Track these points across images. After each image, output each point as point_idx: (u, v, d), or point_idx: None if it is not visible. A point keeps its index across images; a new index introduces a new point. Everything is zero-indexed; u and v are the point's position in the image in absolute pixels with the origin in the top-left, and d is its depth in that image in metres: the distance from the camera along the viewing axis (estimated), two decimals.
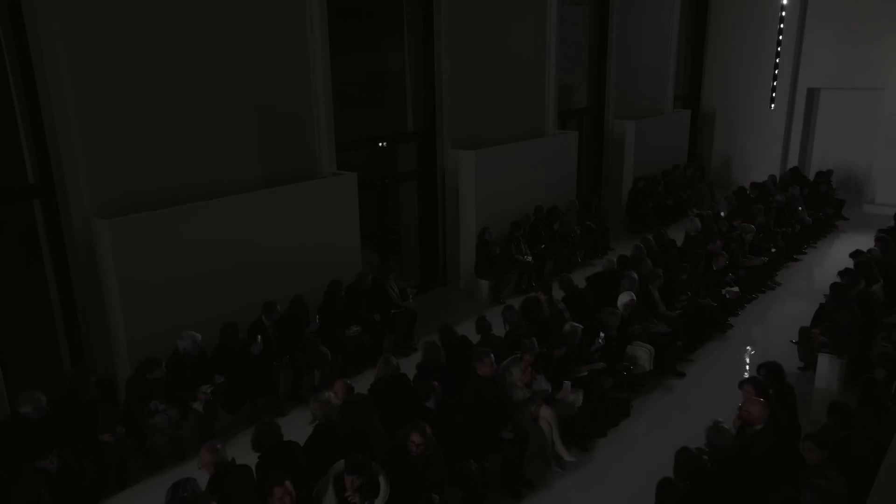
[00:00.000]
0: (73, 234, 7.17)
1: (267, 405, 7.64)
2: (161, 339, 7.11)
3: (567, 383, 6.90)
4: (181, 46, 7.65)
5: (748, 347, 9.42)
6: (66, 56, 6.76)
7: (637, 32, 15.63)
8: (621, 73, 15.31)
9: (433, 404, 5.95)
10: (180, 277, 7.58)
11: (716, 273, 9.87)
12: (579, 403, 7.04)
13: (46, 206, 7.16)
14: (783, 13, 16.32)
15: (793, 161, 17.24)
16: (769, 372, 6.40)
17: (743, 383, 6.17)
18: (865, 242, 10.99)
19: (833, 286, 8.36)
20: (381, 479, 5.04)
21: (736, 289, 9.85)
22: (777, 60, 16.73)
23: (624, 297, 8.20)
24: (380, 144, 11.22)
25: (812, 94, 17.31)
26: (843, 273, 8.76)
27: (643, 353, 8.01)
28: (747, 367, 8.75)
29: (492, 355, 6.49)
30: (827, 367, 7.99)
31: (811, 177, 15.46)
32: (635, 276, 8.75)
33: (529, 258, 11.19)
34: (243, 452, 5.51)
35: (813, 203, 13.95)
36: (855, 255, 9.70)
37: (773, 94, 16.97)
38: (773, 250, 11.47)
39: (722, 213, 12.67)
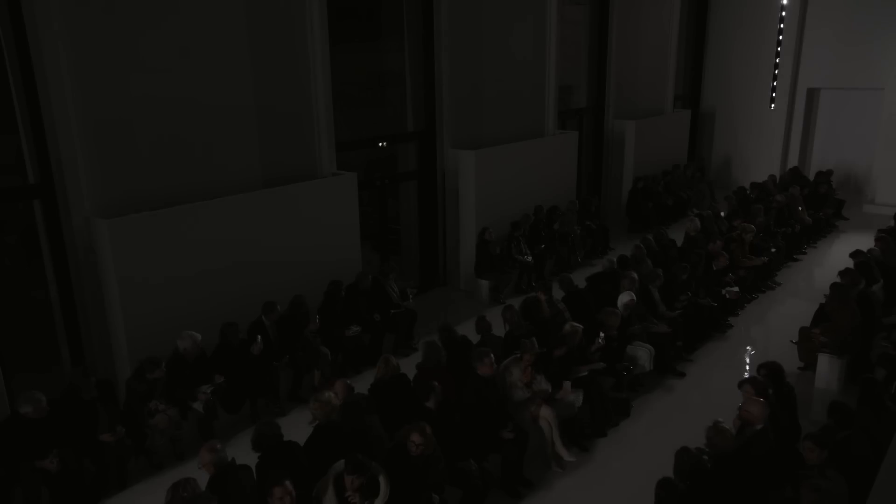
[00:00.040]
0: (73, 234, 7.17)
1: (267, 405, 7.64)
2: (161, 339, 7.11)
3: (567, 383, 6.90)
4: (181, 46, 7.65)
5: (748, 347, 9.42)
6: (66, 56, 6.76)
7: (637, 32, 15.63)
8: (621, 73, 15.31)
9: (433, 404, 5.95)
10: (180, 277, 7.58)
11: (716, 273, 9.87)
12: (579, 403, 7.05)
13: (46, 206, 7.16)
14: (783, 13, 16.32)
15: (793, 161, 17.24)
16: (769, 372, 6.40)
17: (742, 383, 6.18)
18: (865, 242, 11.00)
19: (833, 286, 8.36)
20: (381, 479, 5.04)
21: (736, 289, 9.85)
22: (777, 60, 16.73)
23: (624, 297, 8.20)
24: (380, 144, 11.22)
25: (812, 94, 17.31)
26: (844, 273, 8.76)
27: (643, 353, 8.01)
28: (747, 367, 8.75)
29: (492, 355, 6.49)
30: (827, 367, 7.99)
31: (811, 177, 15.46)
32: (635, 276, 8.75)
33: (529, 258, 11.19)
34: (243, 452, 5.51)
35: (813, 203, 13.95)
36: (855, 255, 9.70)
37: (773, 94, 16.96)
38: (773, 250, 11.47)
39: (722, 213, 12.67)
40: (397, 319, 9.05)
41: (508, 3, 11.91)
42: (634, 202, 14.59)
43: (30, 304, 7.91)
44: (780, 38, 16.50)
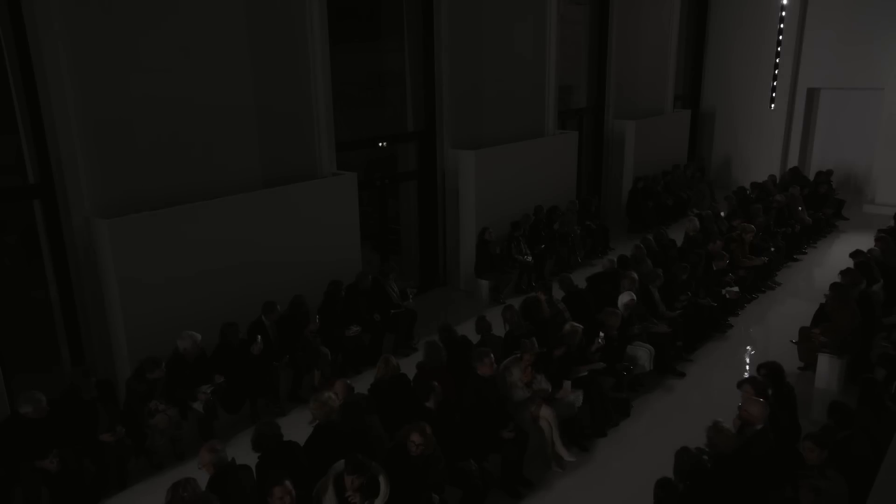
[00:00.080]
0: (73, 234, 7.16)
1: (267, 405, 7.64)
2: (161, 339, 7.11)
3: (567, 383, 6.90)
4: (181, 46, 7.65)
5: (748, 347, 9.42)
6: (66, 56, 6.76)
7: (637, 32, 15.63)
8: (621, 73, 15.31)
9: (433, 404, 5.95)
10: (180, 277, 7.58)
11: (716, 273, 9.87)
12: (579, 403, 7.05)
13: (46, 206, 7.16)
14: (783, 13, 16.32)
15: (793, 161, 17.24)
16: (769, 372, 6.40)
17: (742, 383, 6.18)
18: (865, 242, 11.00)
19: (833, 286, 8.36)
20: (381, 479, 5.04)
21: (736, 289, 9.85)
22: (777, 60, 16.73)
23: (624, 297, 8.20)
24: (380, 144, 11.22)
25: (812, 94, 17.31)
26: (845, 273, 8.76)
27: (643, 353, 8.01)
28: (747, 367, 8.75)
29: (492, 355, 6.49)
30: (827, 367, 7.98)
31: (811, 177, 15.45)
32: (635, 276, 8.75)
33: (529, 258, 11.19)
34: (243, 452, 5.51)
35: (813, 203, 13.95)
36: (855, 255, 9.70)
37: (773, 94, 16.96)
38: (773, 250, 11.47)
39: (722, 213, 12.67)
40: (397, 319, 9.05)
41: (508, 3, 11.91)
42: (634, 202, 14.59)
43: (30, 304, 7.91)
44: (780, 38, 16.51)
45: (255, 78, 8.40)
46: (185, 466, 6.45)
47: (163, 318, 7.36)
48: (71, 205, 7.08)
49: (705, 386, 8.26)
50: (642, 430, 7.36)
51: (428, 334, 8.49)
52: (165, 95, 7.58)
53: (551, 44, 12.80)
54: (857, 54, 15.97)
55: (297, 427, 6.23)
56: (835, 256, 12.18)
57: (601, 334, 7.48)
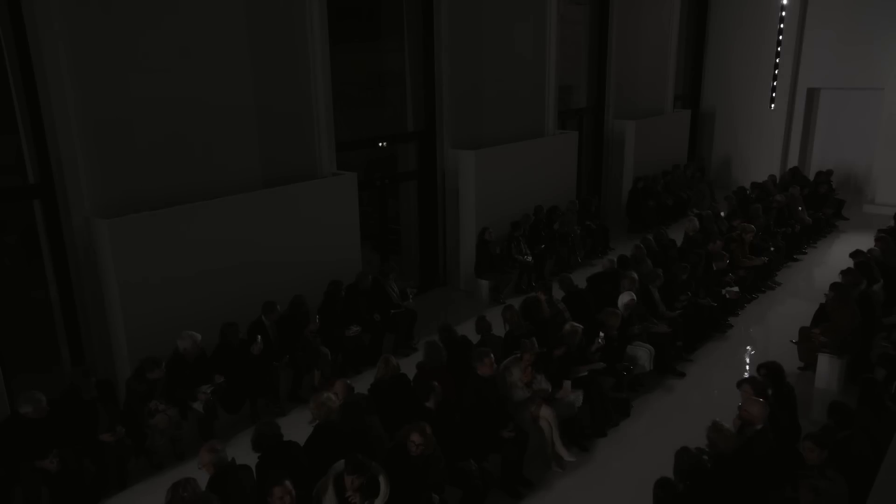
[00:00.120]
0: (73, 234, 7.16)
1: (267, 405, 7.64)
2: (161, 339, 7.11)
3: (567, 383, 6.90)
4: (181, 46, 7.65)
5: (748, 347, 9.42)
6: (66, 56, 6.76)
7: (637, 32, 15.63)
8: (621, 73, 15.31)
9: (433, 404, 5.95)
10: (180, 277, 7.58)
11: (716, 273, 9.87)
12: (579, 403, 7.05)
13: (46, 206, 7.16)
14: (783, 13, 16.32)
15: (793, 161, 17.24)
16: (769, 372, 6.40)
17: (741, 383, 6.18)
18: (865, 242, 10.99)
19: (834, 286, 8.36)
20: (381, 479, 5.04)
21: (736, 289, 9.85)
22: (777, 60, 16.73)
23: (624, 297, 8.20)
24: (380, 144, 11.22)
25: (812, 94, 17.31)
26: (845, 273, 8.76)
27: (643, 353, 8.01)
28: (747, 367, 8.75)
29: (492, 355, 6.49)
30: (827, 367, 7.98)
31: (811, 177, 15.45)
32: (635, 276, 8.75)
33: (529, 258, 11.19)
34: (243, 452, 5.51)
35: (813, 203, 13.95)
36: (855, 255, 9.70)
37: (773, 94, 16.96)
38: (773, 250, 11.47)
39: (722, 213, 12.67)
40: (397, 319, 9.05)
41: (508, 3, 11.91)
42: (634, 202, 14.59)
43: (30, 304, 7.91)
44: (780, 38, 16.50)
45: (255, 78, 8.40)
46: (185, 466, 6.45)
47: (163, 318, 7.36)
48: (71, 205, 7.08)
49: (705, 386, 8.26)
50: (642, 430, 7.36)
51: (428, 334, 8.49)
52: (165, 95, 7.58)
53: (551, 44, 12.80)
54: (857, 54, 15.97)
55: (297, 427, 6.23)
56: (835, 256, 12.18)
57: (601, 334, 7.48)
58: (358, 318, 8.59)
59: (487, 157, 11.29)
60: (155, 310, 7.37)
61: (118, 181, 7.34)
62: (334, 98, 9.26)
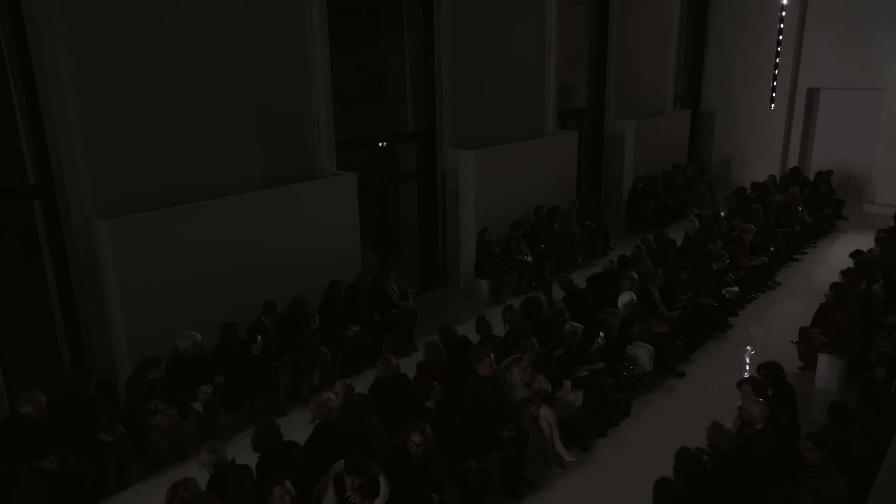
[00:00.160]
0: (73, 234, 7.17)
1: (267, 405, 7.64)
2: (161, 339, 7.11)
3: (567, 383, 6.90)
4: (181, 46, 7.65)
5: (748, 347, 9.42)
6: (66, 56, 6.76)
7: (637, 32, 15.63)
8: (621, 73, 15.31)
9: (433, 404, 5.95)
10: (180, 277, 7.58)
11: (716, 273, 9.87)
12: (579, 403, 7.04)
13: (46, 206, 7.16)
14: (783, 13, 16.32)
15: (793, 161, 17.24)
16: (769, 372, 6.40)
17: (741, 383, 6.18)
18: (865, 242, 10.99)
19: (834, 286, 8.36)
20: (381, 479, 5.05)
21: (736, 289, 9.85)
22: (777, 60, 16.73)
23: (624, 297, 8.20)
24: (380, 144, 11.23)
25: (812, 94, 17.31)
26: (845, 273, 8.76)
27: (643, 353, 8.01)
28: (747, 367, 8.75)
29: (492, 355, 6.49)
30: (827, 367, 7.98)
31: (811, 177, 15.46)
32: (635, 276, 8.75)
33: (529, 258, 11.19)
34: (243, 452, 5.51)
35: (813, 203, 13.95)
36: (855, 255, 9.70)
37: (773, 94, 16.96)
38: (773, 250, 11.47)
39: (722, 213, 12.67)
40: (397, 319, 9.05)
41: (508, 3, 11.91)
42: (634, 202, 14.59)
43: (30, 304, 7.91)
44: (780, 38, 16.50)
45: (255, 78, 8.40)
46: (185, 466, 6.45)
47: (163, 318, 7.36)
48: (71, 205, 7.08)
49: (705, 386, 8.26)
50: (642, 430, 7.36)
51: (428, 334, 8.49)
52: (165, 95, 7.58)
53: (551, 44, 12.80)
54: (857, 54, 15.97)
55: (297, 427, 6.23)
56: (835, 256, 12.18)
57: (601, 334, 7.48)
58: (358, 318, 8.59)
59: (487, 157, 11.29)
60: (155, 310, 7.37)
61: (118, 181, 7.34)
62: (334, 98, 9.26)
